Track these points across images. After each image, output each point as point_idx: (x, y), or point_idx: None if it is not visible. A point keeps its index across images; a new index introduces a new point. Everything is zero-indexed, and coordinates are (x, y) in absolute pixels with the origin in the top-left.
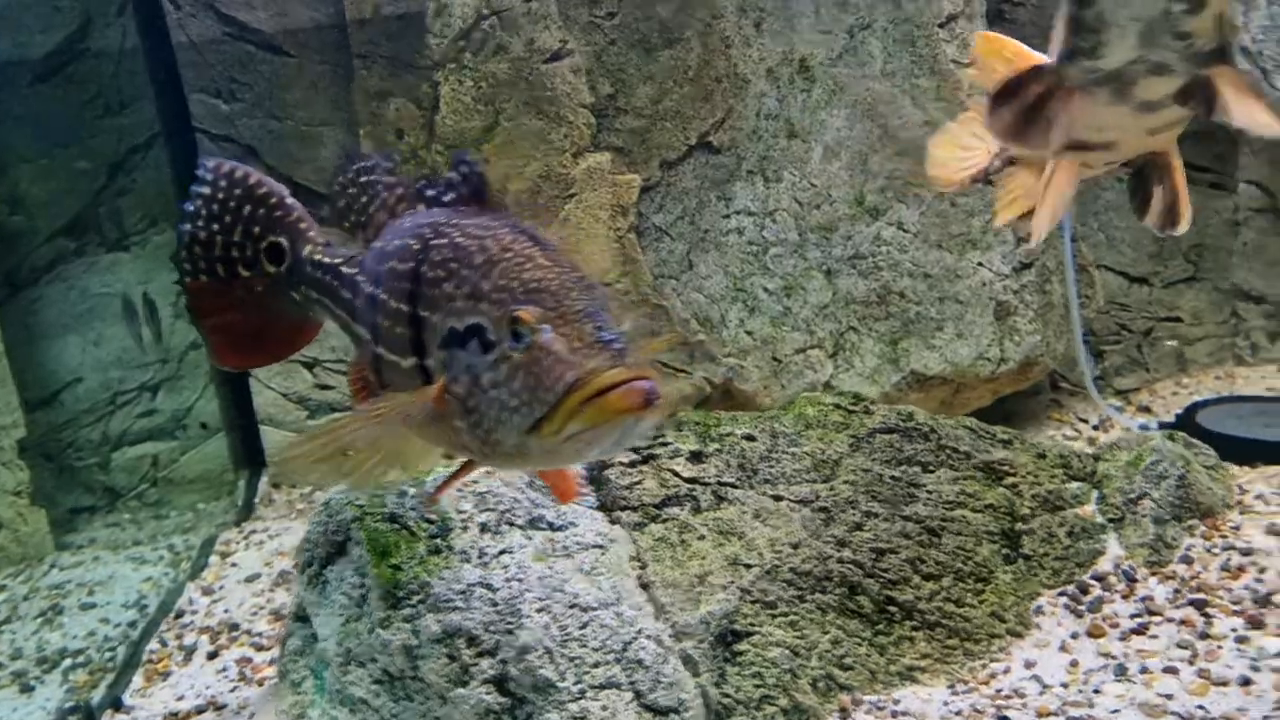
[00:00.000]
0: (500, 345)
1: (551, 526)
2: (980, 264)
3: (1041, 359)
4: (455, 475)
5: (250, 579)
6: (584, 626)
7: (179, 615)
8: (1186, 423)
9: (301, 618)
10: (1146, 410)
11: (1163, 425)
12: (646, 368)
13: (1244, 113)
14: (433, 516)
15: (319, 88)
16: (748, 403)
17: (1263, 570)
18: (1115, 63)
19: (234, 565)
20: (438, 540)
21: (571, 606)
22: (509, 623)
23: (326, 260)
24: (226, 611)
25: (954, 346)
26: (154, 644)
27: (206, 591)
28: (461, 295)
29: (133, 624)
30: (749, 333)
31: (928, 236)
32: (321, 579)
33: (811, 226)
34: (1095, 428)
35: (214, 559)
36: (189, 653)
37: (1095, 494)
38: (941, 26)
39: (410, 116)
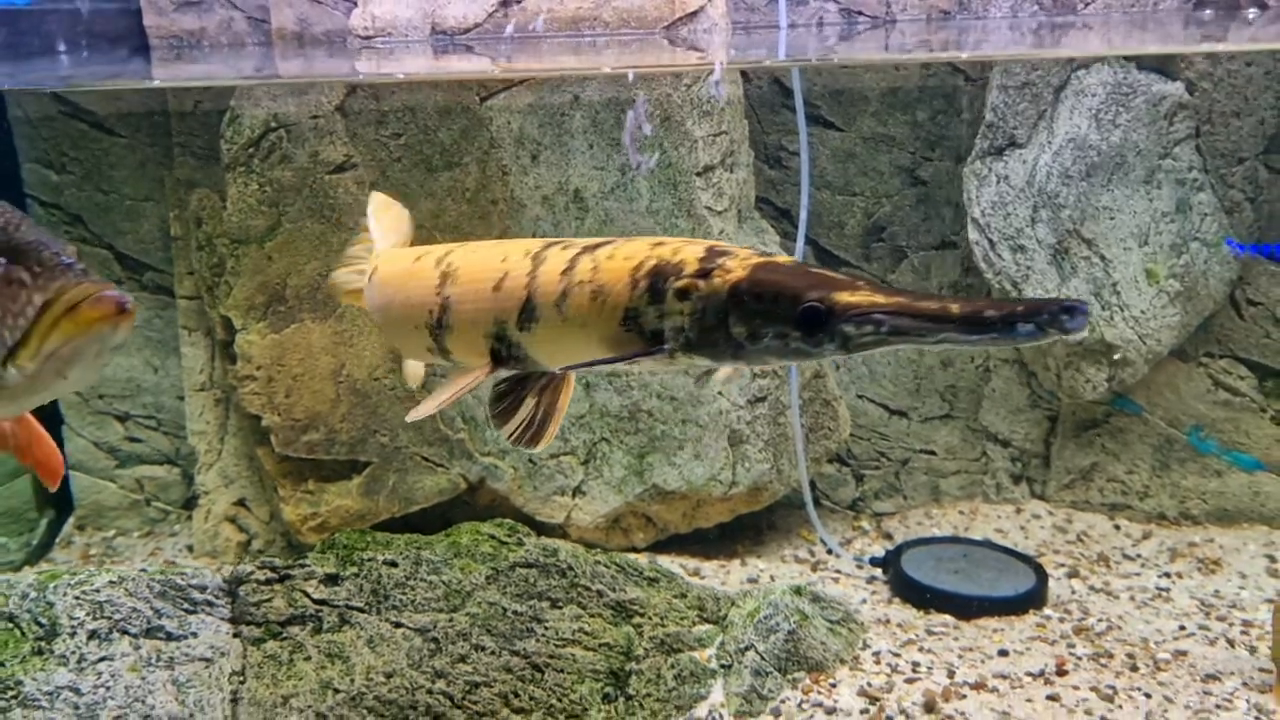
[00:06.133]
0: None
1: (169, 636)
2: (720, 393)
3: (770, 485)
4: None
5: None
6: None
7: None
8: (893, 559)
9: None
10: (889, 538)
11: (873, 560)
12: (110, 284)
13: None
14: (44, 620)
15: (145, 167)
16: (499, 501)
17: None
18: None
19: None
20: (42, 642)
21: (145, 717)
22: None
23: None
24: None
25: (691, 466)
26: None
27: None
28: None
29: None
30: None
31: None
32: None
33: None
34: (829, 552)
35: None
36: None
37: (719, 639)
38: (699, 175)
39: (212, 206)
